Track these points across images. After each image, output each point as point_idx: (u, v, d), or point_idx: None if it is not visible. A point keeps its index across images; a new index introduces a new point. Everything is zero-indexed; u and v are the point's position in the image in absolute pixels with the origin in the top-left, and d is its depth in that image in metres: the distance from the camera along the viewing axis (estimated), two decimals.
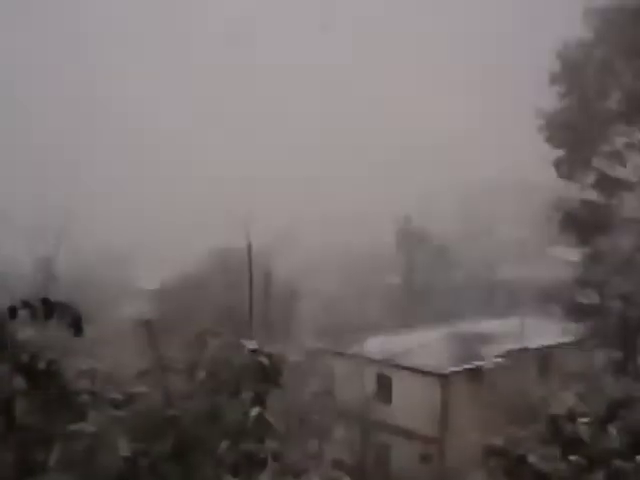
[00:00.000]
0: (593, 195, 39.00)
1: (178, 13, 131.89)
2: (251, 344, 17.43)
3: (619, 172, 38.94)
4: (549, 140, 39.25)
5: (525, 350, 41.90)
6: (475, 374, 40.83)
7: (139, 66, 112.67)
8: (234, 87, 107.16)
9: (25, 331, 6.77)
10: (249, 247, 38.74)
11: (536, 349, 42.71)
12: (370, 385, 41.01)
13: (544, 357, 42.18)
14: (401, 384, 42.22)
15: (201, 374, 16.98)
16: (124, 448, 14.82)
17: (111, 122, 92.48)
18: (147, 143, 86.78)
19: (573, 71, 38.59)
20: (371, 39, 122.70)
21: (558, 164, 39.15)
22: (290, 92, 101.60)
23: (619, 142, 38.85)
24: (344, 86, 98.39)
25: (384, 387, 42.08)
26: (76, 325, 6.39)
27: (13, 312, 6.31)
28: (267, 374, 16.97)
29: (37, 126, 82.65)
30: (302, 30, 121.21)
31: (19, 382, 6.35)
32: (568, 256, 41.75)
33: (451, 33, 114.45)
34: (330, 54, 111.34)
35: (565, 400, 20.66)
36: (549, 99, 39.36)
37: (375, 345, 43.22)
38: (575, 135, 38.44)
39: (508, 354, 41.33)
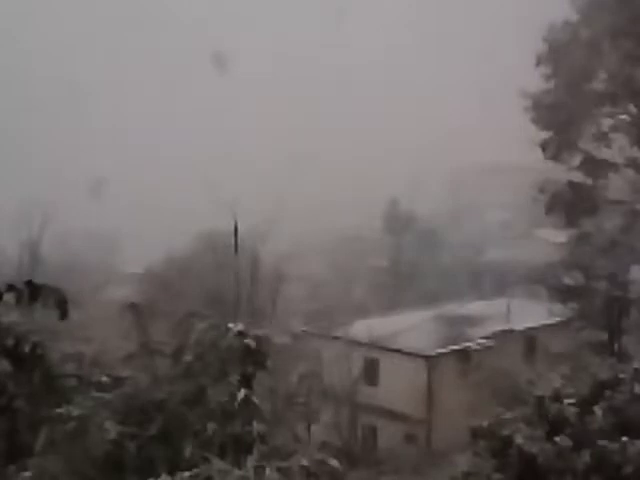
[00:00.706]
0: (579, 177, 39.54)
1: None
2: (238, 327, 19.01)
3: (605, 154, 39.66)
4: (535, 122, 39.79)
5: (511, 332, 42.36)
6: (461, 355, 41.21)
7: (122, 53, 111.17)
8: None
9: (10, 314, 6.95)
10: (235, 230, 36.54)
11: (522, 331, 43.00)
12: (357, 368, 40.96)
13: (530, 338, 42.43)
14: (388, 366, 42.29)
15: (187, 357, 18.60)
16: (111, 431, 16.42)
17: (95, 108, 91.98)
18: (131, 127, 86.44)
19: (559, 52, 38.93)
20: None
21: (545, 145, 39.60)
22: (277, 76, 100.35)
23: (605, 124, 39.41)
24: (332, 71, 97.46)
25: (371, 369, 42.19)
26: (62, 308, 6.37)
27: None
28: (254, 357, 18.58)
29: (22, 114, 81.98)
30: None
31: (4, 365, 6.33)
32: (554, 238, 42.50)
33: (438, 18, 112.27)
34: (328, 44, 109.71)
35: (551, 381, 21.48)
36: (535, 80, 39.94)
37: (362, 328, 43.22)
38: (561, 116, 38.83)
39: (494, 336, 41.88)
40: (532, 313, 42.88)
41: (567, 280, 38.96)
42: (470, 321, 44.71)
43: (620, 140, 39.48)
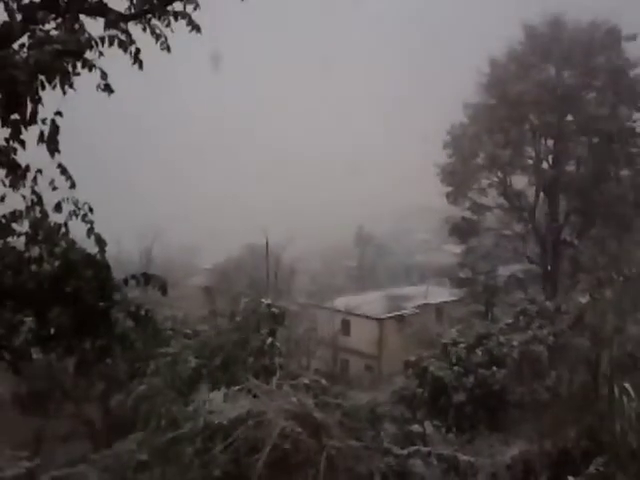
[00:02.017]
0: (469, 214, 38.33)
1: None
2: (267, 301, 19.55)
3: (483, 200, 38.54)
4: (443, 181, 38.56)
5: (429, 304, 41.75)
6: (399, 319, 40.39)
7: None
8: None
9: (133, 292, 6.56)
10: (267, 243, 37.78)
11: (435, 304, 42.12)
12: (337, 325, 40.44)
13: (439, 309, 41.66)
14: (356, 325, 41.65)
15: (237, 318, 19.12)
16: (192, 362, 16.98)
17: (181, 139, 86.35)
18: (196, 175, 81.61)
19: (456, 141, 38.07)
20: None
21: (448, 195, 38.45)
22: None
23: (484, 183, 38.38)
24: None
25: (346, 326, 41.50)
26: (163, 289, 6.04)
27: (126, 281, 6.06)
28: (276, 319, 19.09)
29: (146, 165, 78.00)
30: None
31: (129, 323, 6.01)
32: (454, 250, 41.66)
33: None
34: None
35: (451, 334, 21.47)
36: (443, 158, 38.75)
37: (341, 302, 42.82)
38: (457, 179, 37.97)
39: (418, 307, 41.39)
40: (441, 294, 42.18)
41: (461, 274, 38.31)
42: (404, 298, 43.85)
43: (492, 192, 38.57)
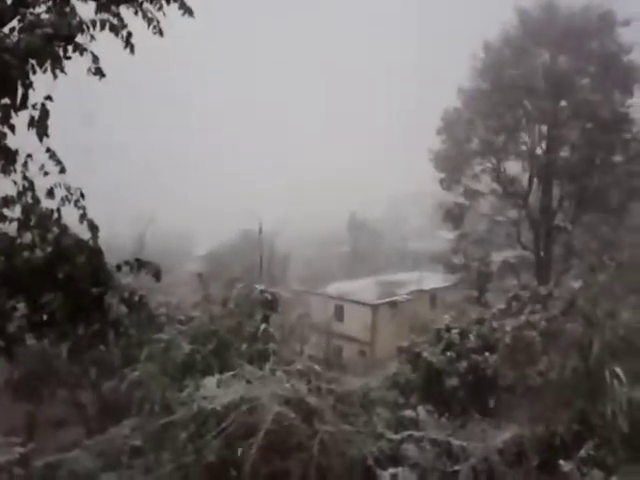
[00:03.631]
0: (462, 200, 38.15)
1: None
2: (261, 287, 19.58)
3: (477, 186, 38.36)
4: (436, 167, 38.40)
5: (422, 290, 41.34)
6: (392, 304, 40.19)
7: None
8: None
9: (126, 278, 6.52)
10: (260, 229, 36.99)
11: (428, 290, 41.83)
12: (331, 311, 40.17)
13: (433, 295, 41.44)
14: (349, 310, 41.43)
15: (231, 304, 19.14)
16: (186, 348, 16.99)
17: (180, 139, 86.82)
18: (209, 161, 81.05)
19: (450, 126, 37.92)
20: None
21: (442, 181, 38.28)
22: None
23: (477, 169, 38.15)
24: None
25: (339, 312, 41.26)
26: (157, 275, 6.07)
27: (119, 267, 6.05)
28: (270, 305, 19.14)
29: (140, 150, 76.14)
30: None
31: (122, 309, 6.00)
32: (447, 236, 41.04)
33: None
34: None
35: (444, 319, 21.33)
36: (437, 143, 38.52)
37: (334, 288, 42.76)
38: (451, 164, 37.78)
39: (412, 293, 40.98)
40: (434, 280, 41.92)
41: (455, 260, 38.02)
42: (397, 284, 43.62)
43: (485, 178, 38.24)
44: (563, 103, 36.26)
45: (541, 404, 14.49)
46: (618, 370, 12.25)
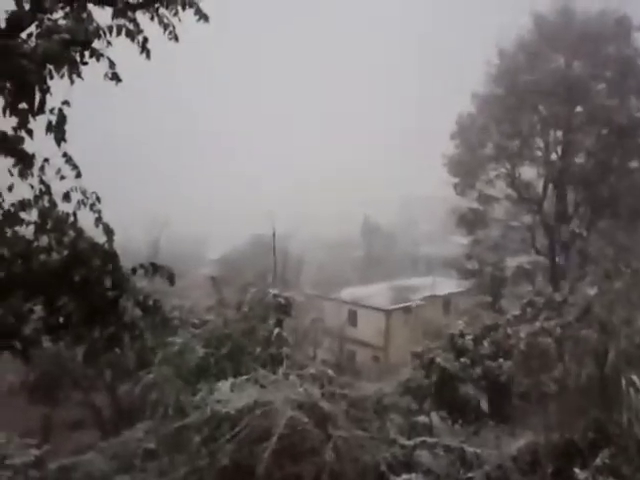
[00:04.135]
0: (476, 205, 38.05)
1: None
2: (274, 291, 19.57)
3: (491, 191, 38.14)
4: (450, 172, 38.36)
5: (435, 296, 41.42)
6: (406, 310, 40.10)
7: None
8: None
9: (141, 282, 6.52)
10: (273, 234, 36.31)
11: (442, 295, 41.90)
12: (344, 316, 40.25)
13: (446, 300, 41.48)
14: (363, 316, 41.39)
15: (244, 308, 19.14)
16: (200, 351, 17.02)
17: (198, 144, 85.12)
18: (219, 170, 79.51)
19: (464, 131, 37.80)
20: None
21: (455, 186, 38.24)
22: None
23: (491, 174, 38.02)
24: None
25: (352, 317, 41.33)
26: (171, 279, 6.07)
27: (134, 271, 6.06)
28: (283, 309, 19.13)
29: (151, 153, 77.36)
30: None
31: (137, 312, 6.02)
32: (461, 241, 41.05)
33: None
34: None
35: (458, 325, 21.39)
36: (450, 148, 38.36)
37: (347, 293, 42.78)
38: (465, 169, 37.71)
39: (425, 298, 41.03)
40: (448, 285, 41.76)
41: (468, 266, 37.81)
42: (411, 289, 43.46)
43: (500, 184, 38.10)
44: (579, 108, 36.01)
45: (556, 411, 14.32)
46: (634, 378, 12.07)
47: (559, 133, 36.85)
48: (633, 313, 14.83)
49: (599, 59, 34.67)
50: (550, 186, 37.02)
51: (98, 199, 5.83)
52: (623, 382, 12.37)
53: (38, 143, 5.43)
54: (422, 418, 16.17)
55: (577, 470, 11.71)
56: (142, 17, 5.65)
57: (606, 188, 34.51)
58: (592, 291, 18.14)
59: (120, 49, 5.53)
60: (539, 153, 37.52)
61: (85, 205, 5.77)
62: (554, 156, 36.99)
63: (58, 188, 5.75)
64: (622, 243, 32.62)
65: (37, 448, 15.24)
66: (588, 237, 35.79)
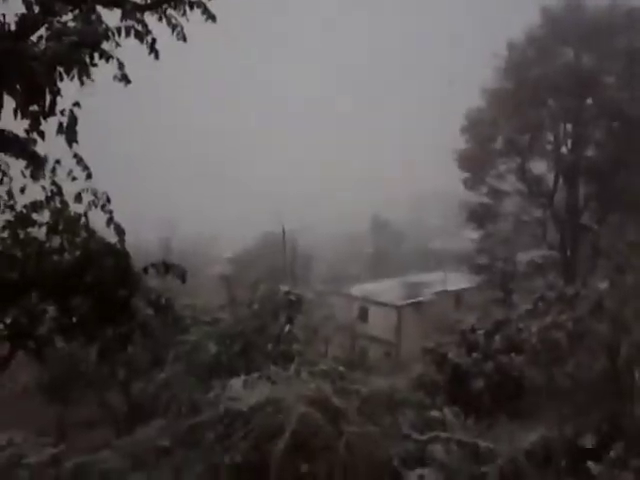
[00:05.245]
0: (486, 200, 38.11)
1: None
2: (285, 288, 19.67)
3: (501, 186, 38.14)
4: (460, 167, 38.28)
5: (446, 291, 41.13)
6: (417, 305, 40.07)
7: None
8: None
9: (153, 281, 6.56)
10: (283, 231, 37.81)
11: (453, 291, 41.52)
12: (355, 312, 40.06)
13: (458, 295, 41.20)
14: (374, 312, 41.16)
15: (256, 305, 19.25)
16: (212, 349, 17.11)
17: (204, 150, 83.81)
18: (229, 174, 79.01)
19: (473, 126, 37.73)
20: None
21: (465, 181, 38.32)
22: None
23: (501, 168, 38.02)
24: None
25: (363, 313, 41.08)
26: (182, 278, 6.06)
27: (146, 270, 6.07)
28: (294, 306, 19.21)
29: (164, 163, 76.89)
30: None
31: (149, 311, 6.06)
32: (471, 235, 40.95)
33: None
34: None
35: (469, 320, 21.75)
36: (460, 143, 38.26)
37: (358, 289, 42.39)
38: (475, 164, 37.63)
39: (436, 294, 40.84)
40: (459, 280, 41.42)
41: (479, 261, 37.87)
42: (422, 285, 42.90)
43: (510, 178, 38.12)
44: (589, 101, 35.87)
45: (569, 405, 14.34)
46: None
47: (569, 126, 36.81)
48: None
49: (609, 52, 34.41)
50: (560, 180, 36.92)
51: (109, 199, 5.87)
52: (636, 375, 12.33)
53: (49, 144, 5.47)
54: (435, 413, 16.10)
55: (591, 464, 11.73)
56: (150, 18, 5.68)
57: (617, 181, 34.26)
58: (604, 285, 18.07)
59: (130, 50, 5.57)
60: (549, 147, 37.46)
61: (96, 206, 5.81)
62: (564, 149, 36.91)
63: (69, 189, 5.80)
64: (633, 237, 32.43)
65: (53, 447, 15.32)
66: (599, 230, 35.57)
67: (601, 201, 36.03)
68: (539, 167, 37.93)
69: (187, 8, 5.78)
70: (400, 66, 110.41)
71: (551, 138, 37.31)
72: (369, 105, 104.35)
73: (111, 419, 22.97)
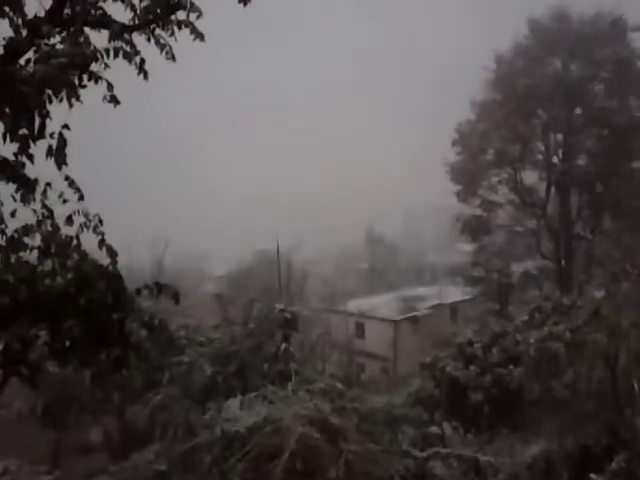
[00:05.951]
0: (479, 212, 38.10)
1: None
2: (280, 306, 19.56)
3: (493, 197, 38.26)
4: (452, 180, 38.35)
5: (442, 305, 41.43)
6: (413, 320, 40.17)
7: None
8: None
9: (146, 302, 6.57)
10: (277, 248, 37.84)
11: (449, 304, 41.84)
12: (351, 328, 40.01)
13: (453, 308, 41.37)
14: (370, 327, 41.27)
15: (251, 325, 19.14)
16: (207, 370, 17.01)
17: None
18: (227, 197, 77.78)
19: (464, 138, 37.85)
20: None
21: (458, 194, 38.30)
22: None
23: (493, 180, 38.16)
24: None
25: (360, 329, 41.14)
26: (175, 298, 6.05)
27: (139, 291, 6.05)
28: (290, 324, 19.09)
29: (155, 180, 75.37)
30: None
31: (143, 332, 5.99)
32: (466, 248, 41.32)
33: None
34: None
35: (466, 334, 21.77)
36: (452, 155, 38.43)
37: (354, 305, 42.40)
38: (467, 176, 37.70)
39: (432, 307, 41.09)
40: (454, 293, 41.61)
41: (474, 273, 37.76)
42: (418, 299, 43.33)
43: (503, 189, 38.29)
44: (578, 111, 36.15)
45: (569, 417, 14.31)
46: None
47: (559, 136, 37.04)
48: None
49: (596, 61, 34.78)
50: (553, 189, 37.08)
51: (100, 221, 5.85)
52: (635, 385, 12.31)
53: (38, 166, 5.46)
54: (434, 429, 16.03)
55: (593, 476, 11.69)
56: (138, 38, 5.70)
57: (609, 189, 34.48)
58: (600, 294, 18.12)
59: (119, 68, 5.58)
60: (540, 157, 37.67)
61: (88, 228, 5.80)
62: (555, 159, 37.12)
63: (60, 211, 5.78)
64: (628, 245, 32.57)
65: (48, 474, 15.14)
66: (593, 239, 35.72)
67: (594, 210, 36.19)
68: (531, 177, 38.11)
69: (175, 28, 5.79)
70: (393, 77, 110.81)
71: (542, 148, 37.52)
72: (364, 120, 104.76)
73: (107, 444, 22.76)
